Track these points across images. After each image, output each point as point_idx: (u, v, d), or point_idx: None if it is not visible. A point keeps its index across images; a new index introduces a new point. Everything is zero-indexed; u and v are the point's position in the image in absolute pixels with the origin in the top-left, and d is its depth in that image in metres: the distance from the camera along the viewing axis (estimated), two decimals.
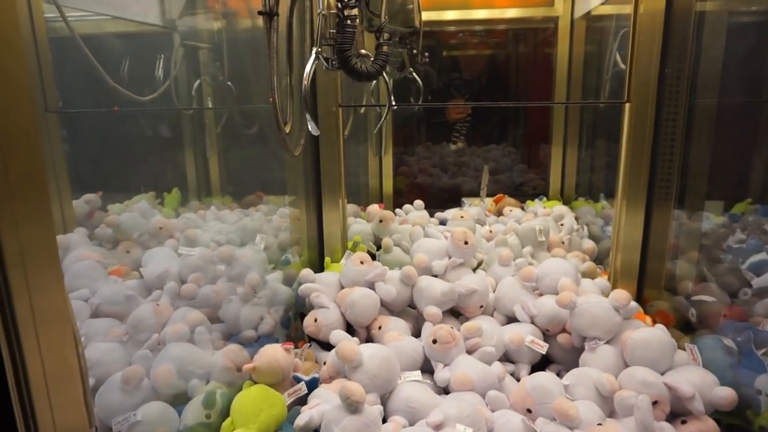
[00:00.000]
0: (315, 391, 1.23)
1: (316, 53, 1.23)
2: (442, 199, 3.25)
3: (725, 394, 1.10)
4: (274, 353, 1.21)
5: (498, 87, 3.39)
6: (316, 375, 1.27)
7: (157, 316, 1.46)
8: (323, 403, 1.14)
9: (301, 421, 1.08)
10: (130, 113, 2.36)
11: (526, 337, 1.39)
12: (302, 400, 1.22)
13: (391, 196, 2.92)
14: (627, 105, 1.57)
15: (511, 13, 2.53)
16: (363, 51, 1.29)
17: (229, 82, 2.55)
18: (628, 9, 1.71)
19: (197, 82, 2.60)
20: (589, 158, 2.66)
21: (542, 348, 1.38)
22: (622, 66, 2.08)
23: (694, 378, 1.15)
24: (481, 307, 1.53)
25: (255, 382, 1.21)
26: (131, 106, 2.27)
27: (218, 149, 2.64)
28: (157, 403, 1.15)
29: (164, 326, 1.44)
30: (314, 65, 1.23)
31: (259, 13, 1.27)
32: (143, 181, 2.61)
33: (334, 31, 1.22)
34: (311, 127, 1.37)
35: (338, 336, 1.35)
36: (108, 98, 2.18)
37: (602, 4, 2.15)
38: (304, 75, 1.24)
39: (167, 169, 2.68)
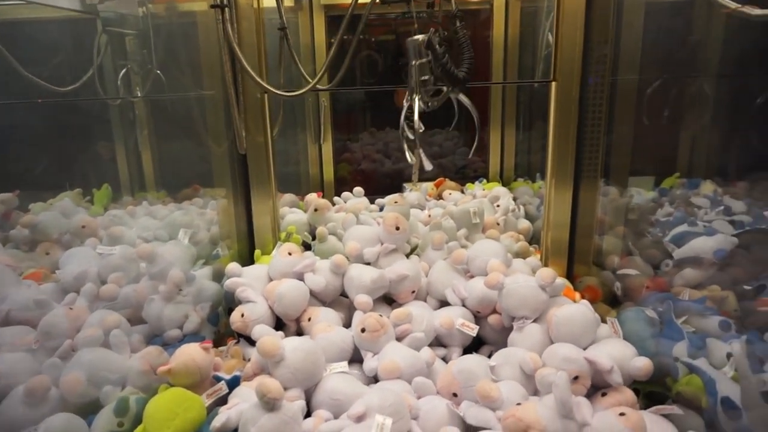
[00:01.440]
0: (236, 390, 1.18)
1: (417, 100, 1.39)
2: (385, 185, 3.23)
3: (641, 364, 1.12)
4: (191, 353, 1.15)
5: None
6: (238, 373, 1.22)
7: (71, 321, 1.38)
8: (243, 402, 1.09)
9: (217, 422, 1.03)
10: (50, 105, 2.21)
11: (457, 320, 1.38)
12: (223, 401, 1.17)
13: (332, 184, 2.87)
14: (553, 84, 1.57)
15: None
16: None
17: (158, 71, 2.43)
18: None
19: (123, 71, 2.46)
20: (527, 139, 2.69)
21: (472, 330, 1.37)
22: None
23: (613, 351, 1.17)
24: (413, 292, 1.51)
25: (172, 385, 1.15)
26: (52, 98, 2.12)
27: (151, 142, 2.52)
28: (62, 414, 1.08)
29: (78, 331, 1.36)
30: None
31: (211, 6, 1.21)
32: (69, 178, 2.46)
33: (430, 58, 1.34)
34: (426, 163, 1.45)
35: (261, 331, 1.31)
36: (23, 90, 2.03)
37: None
38: (414, 121, 1.35)
39: (96, 164, 2.54)
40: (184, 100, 2.30)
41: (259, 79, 1.37)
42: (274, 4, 1.75)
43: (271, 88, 1.45)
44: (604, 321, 1.35)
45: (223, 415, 1.05)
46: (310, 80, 1.46)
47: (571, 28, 1.52)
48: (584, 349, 1.20)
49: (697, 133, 1.70)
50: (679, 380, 1.12)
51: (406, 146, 1.45)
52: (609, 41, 1.54)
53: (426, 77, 1.36)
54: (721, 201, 1.67)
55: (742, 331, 1.19)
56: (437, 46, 1.33)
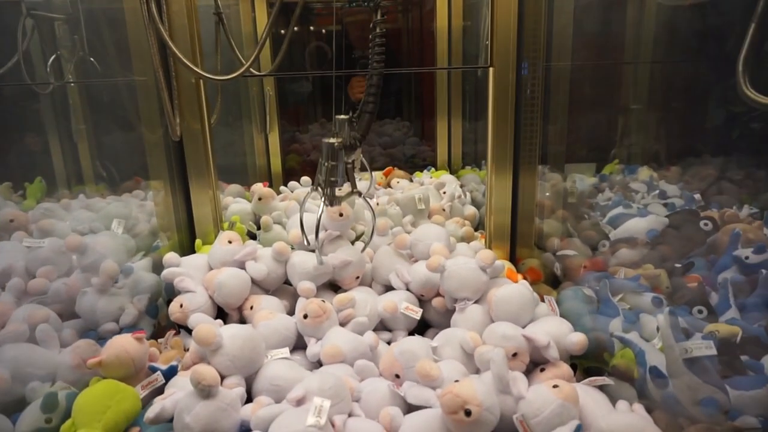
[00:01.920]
0: (172, 380, 1.15)
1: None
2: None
3: (576, 339, 1.16)
4: (123, 344, 1.11)
5: (387, 59, 3.38)
6: (175, 363, 1.18)
7: None
8: (180, 391, 1.06)
9: (151, 413, 1.00)
10: None
11: (401, 304, 1.38)
12: (160, 391, 1.14)
13: (280, 175, 2.83)
14: (491, 69, 1.59)
15: None
16: None
17: (90, 57, 2.32)
18: None
19: (52, 57, 2.33)
20: (473, 128, 2.73)
21: (416, 314, 1.38)
22: None
23: (550, 328, 1.20)
24: (358, 278, 1.50)
25: (104, 378, 1.10)
26: None
27: (87, 132, 2.41)
28: None
29: (2, 328, 1.29)
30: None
31: None
32: None
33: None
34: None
35: (197, 319, 1.27)
36: None
37: None
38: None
39: (27, 156, 2.41)
40: (115, 87, 2.20)
41: (182, 57, 1.32)
42: None
43: (198, 70, 1.40)
44: (541, 300, 1.38)
45: (158, 405, 1.01)
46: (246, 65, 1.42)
47: (505, 12, 1.54)
48: (523, 327, 1.23)
49: (633, 120, 1.77)
50: (614, 354, 1.17)
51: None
52: (542, 26, 1.57)
53: (334, 179, 1.39)
54: (657, 186, 1.74)
55: (672, 306, 1.24)
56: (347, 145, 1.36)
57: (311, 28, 3.14)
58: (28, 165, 2.34)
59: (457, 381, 0.96)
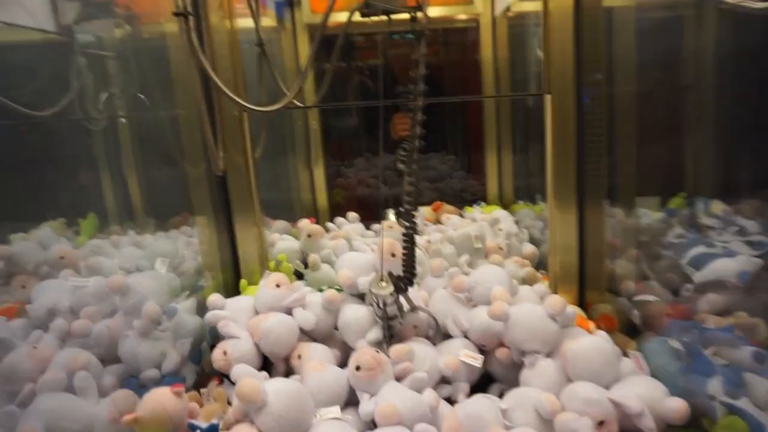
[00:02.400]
0: None
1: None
2: (381, 210, 3.13)
3: (676, 406, 0.99)
4: (160, 399, 1.02)
5: (430, 90, 3.32)
6: (215, 421, 1.08)
7: (34, 362, 1.25)
8: None
9: None
10: (28, 130, 2.11)
11: (459, 351, 1.25)
12: None
13: (326, 210, 2.76)
14: (548, 96, 1.48)
15: (431, 12, 2.44)
16: None
17: (139, 94, 2.35)
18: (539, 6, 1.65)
19: (104, 94, 2.37)
20: (525, 160, 2.60)
21: (477, 361, 1.24)
22: None
23: (641, 390, 1.04)
24: (416, 326, 1.38)
25: None
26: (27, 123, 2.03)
27: (137, 168, 2.42)
28: None
29: (43, 373, 1.23)
30: None
31: (174, 14, 1.13)
32: (51, 207, 2.35)
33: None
34: None
35: (240, 371, 1.17)
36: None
37: (519, 0, 2.10)
38: None
39: (81, 192, 2.43)
40: (161, 122, 2.20)
41: (224, 87, 1.27)
42: (251, 23, 1.67)
43: (240, 101, 1.34)
44: (624, 354, 1.22)
45: None
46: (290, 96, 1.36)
47: (560, 35, 1.44)
48: (607, 388, 1.07)
49: (700, 149, 1.62)
50: (717, 422, 0.99)
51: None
52: (601, 50, 1.46)
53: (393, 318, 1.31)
54: (734, 221, 1.58)
55: None
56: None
57: (354, 62, 3.12)
58: (82, 201, 2.36)
59: None
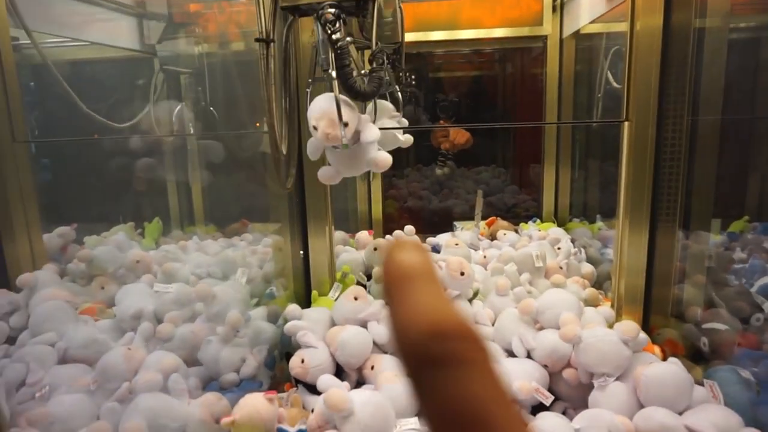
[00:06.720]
0: None
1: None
2: (432, 222, 3.17)
3: None
4: (256, 404, 1.09)
5: (486, 108, 3.35)
6: (303, 426, 1.15)
7: (128, 362, 1.35)
8: None
9: None
10: (108, 141, 2.26)
11: (529, 377, 1.28)
12: None
13: (380, 222, 2.83)
14: (626, 123, 1.50)
15: (499, 32, 2.47)
16: (363, 71, 1.23)
17: (211, 108, 2.47)
18: (620, 27, 1.66)
19: (178, 107, 2.51)
20: (583, 178, 2.60)
21: (547, 399, 1.27)
22: (615, 84, 2.03)
23: (716, 418, 1.05)
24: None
25: None
26: (109, 134, 2.18)
27: (201, 176, 2.55)
28: None
29: (136, 373, 1.33)
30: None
31: (256, 40, 1.21)
32: (122, 212, 2.50)
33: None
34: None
35: (326, 382, 1.24)
36: (84, 126, 2.08)
37: (591, 22, 2.11)
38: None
39: (148, 198, 2.58)
40: (236, 136, 2.31)
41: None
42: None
43: None
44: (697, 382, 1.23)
45: None
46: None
47: (645, 65, 1.45)
48: (679, 414, 1.09)
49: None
50: None
51: None
52: (688, 79, 1.46)
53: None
54: None
55: None
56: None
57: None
58: (147, 206, 2.50)
59: None
